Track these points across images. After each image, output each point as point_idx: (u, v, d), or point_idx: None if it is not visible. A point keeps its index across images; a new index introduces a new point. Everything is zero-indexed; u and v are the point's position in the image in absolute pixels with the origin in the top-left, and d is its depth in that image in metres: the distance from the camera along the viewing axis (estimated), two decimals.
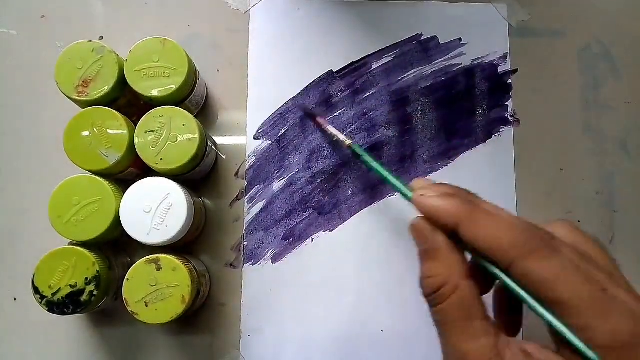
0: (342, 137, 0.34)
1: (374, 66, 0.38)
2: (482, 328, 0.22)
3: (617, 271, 0.23)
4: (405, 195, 0.26)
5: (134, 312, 0.30)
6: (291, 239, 0.36)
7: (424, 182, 0.26)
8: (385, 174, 0.29)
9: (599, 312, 0.20)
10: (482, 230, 0.22)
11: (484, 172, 0.37)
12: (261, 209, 0.36)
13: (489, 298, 0.25)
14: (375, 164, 0.30)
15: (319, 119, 0.36)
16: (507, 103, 0.38)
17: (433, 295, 0.23)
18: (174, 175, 0.32)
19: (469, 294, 0.23)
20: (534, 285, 0.21)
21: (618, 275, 0.22)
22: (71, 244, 0.31)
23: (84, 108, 0.31)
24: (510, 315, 0.26)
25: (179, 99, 0.33)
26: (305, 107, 0.37)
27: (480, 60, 0.38)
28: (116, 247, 0.34)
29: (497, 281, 0.23)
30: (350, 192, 0.37)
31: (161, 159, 0.31)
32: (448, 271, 0.23)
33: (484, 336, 0.22)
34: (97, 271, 0.30)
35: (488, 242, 0.22)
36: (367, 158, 0.31)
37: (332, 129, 0.35)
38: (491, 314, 0.24)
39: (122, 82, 0.32)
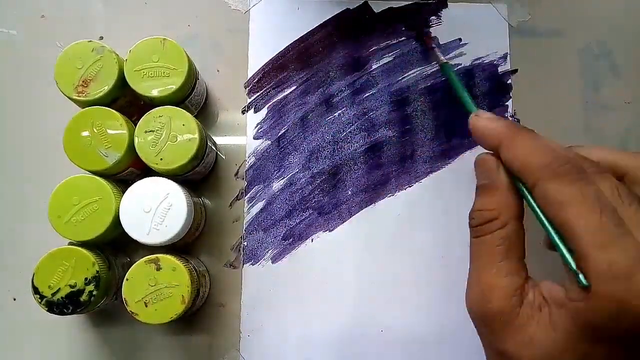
0: (439, 55, 0.36)
1: (374, 66, 0.38)
2: (515, 268, 0.23)
3: None
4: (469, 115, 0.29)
5: (133, 312, 0.30)
6: (291, 239, 0.36)
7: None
8: (465, 95, 0.31)
9: (600, 242, 0.20)
10: (518, 150, 0.24)
11: None
12: (261, 209, 0.36)
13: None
14: (458, 87, 0.32)
15: (427, 39, 0.37)
16: (507, 103, 0.38)
17: (480, 226, 0.24)
18: (174, 175, 0.32)
19: (514, 234, 0.24)
20: (550, 207, 0.22)
21: None
22: (71, 244, 0.31)
23: (83, 108, 0.31)
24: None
25: (178, 99, 0.33)
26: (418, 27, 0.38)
27: (480, 61, 0.38)
28: (116, 247, 0.34)
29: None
30: (350, 192, 0.37)
31: (161, 159, 0.31)
32: (502, 208, 0.24)
33: (514, 275, 0.23)
34: (97, 271, 0.30)
35: (520, 162, 0.24)
36: (455, 80, 0.33)
37: (436, 50, 0.37)
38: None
39: (121, 82, 0.32)
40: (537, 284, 0.23)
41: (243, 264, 0.36)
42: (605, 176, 0.23)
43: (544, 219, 0.23)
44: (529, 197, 0.24)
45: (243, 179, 0.37)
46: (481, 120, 0.26)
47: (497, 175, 0.25)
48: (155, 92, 0.32)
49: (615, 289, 0.20)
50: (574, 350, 0.21)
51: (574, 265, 0.21)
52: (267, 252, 0.36)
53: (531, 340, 0.21)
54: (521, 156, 0.24)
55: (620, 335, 0.20)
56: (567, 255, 0.22)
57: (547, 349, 0.21)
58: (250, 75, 0.38)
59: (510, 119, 0.38)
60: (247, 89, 0.38)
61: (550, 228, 0.23)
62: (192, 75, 0.33)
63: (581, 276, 0.20)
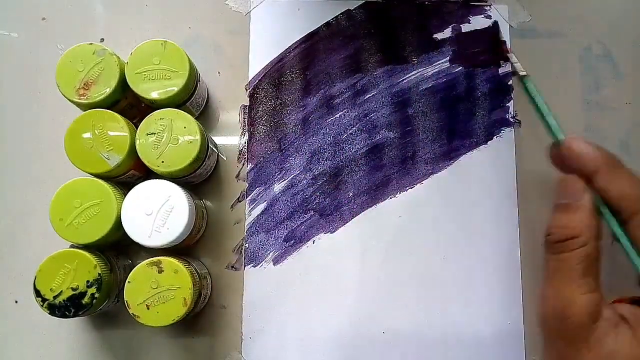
0: (519, 67, 0.35)
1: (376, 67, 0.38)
2: (592, 285, 0.25)
3: None
4: (557, 137, 0.29)
5: (135, 315, 0.30)
6: (292, 241, 0.36)
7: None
8: (547, 112, 0.31)
9: None
10: (620, 180, 0.26)
11: (485, 173, 0.37)
12: (262, 210, 0.36)
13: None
14: (539, 102, 0.32)
15: (504, 47, 0.37)
16: (508, 104, 0.38)
17: (561, 243, 0.25)
18: (175, 178, 0.32)
19: (594, 253, 0.25)
20: None
21: None
22: (72, 246, 0.31)
23: (85, 110, 0.31)
24: None
25: (180, 101, 0.33)
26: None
27: None
28: (117, 249, 0.34)
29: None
30: (351, 194, 0.37)
31: (162, 162, 0.31)
32: (585, 227, 0.25)
33: (592, 292, 0.25)
34: (99, 274, 0.30)
35: (621, 191, 0.25)
36: (537, 98, 0.32)
37: (513, 58, 0.36)
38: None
39: (123, 84, 0.32)
40: (611, 304, 0.25)
41: (244, 266, 0.36)
42: None
43: (629, 244, 0.25)
44: (616, 224, 0.26)
45: (244, 180, 0.37)
46: (580, 144, 0.27)
47: (583, 196, 0.26)
48: (156, 95, 0.32)
49: None
50: None
51: None
52: (269, 254, 0.36)
53: (611, 354, 0.23)
54: (623, 186, 0.25)
55: None
56: None
57: None
58: (251, 77, 0.38)
59: (512, 120, 0.38)
60: (248, 90, 0.38)
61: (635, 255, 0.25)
62: (193, 78, 0.33)
63: None
